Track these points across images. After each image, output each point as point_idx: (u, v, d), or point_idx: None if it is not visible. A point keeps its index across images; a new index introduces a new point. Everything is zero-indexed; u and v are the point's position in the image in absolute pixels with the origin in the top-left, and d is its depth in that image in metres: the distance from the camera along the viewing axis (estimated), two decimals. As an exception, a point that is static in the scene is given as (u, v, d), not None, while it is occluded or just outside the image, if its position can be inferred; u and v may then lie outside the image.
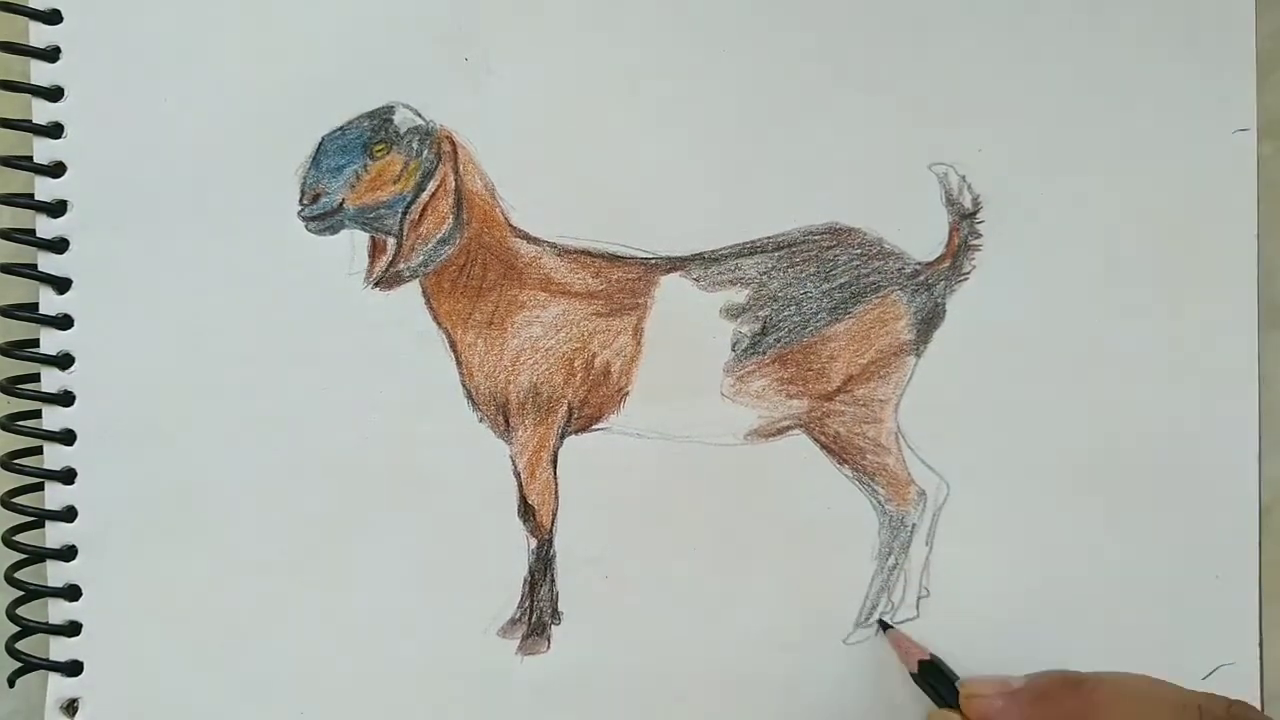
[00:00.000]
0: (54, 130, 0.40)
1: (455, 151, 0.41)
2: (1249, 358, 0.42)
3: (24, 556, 0.40)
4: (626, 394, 0.41)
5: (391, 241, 0.41)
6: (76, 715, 0.41)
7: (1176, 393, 0.42)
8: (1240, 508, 0.42)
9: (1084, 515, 0.42)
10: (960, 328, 0.41)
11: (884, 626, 0.41)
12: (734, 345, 0.41)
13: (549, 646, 0.41)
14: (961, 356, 0.41)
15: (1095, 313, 0.42)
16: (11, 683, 0.41)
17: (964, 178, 0.41)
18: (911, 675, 0.40)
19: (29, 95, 0.40)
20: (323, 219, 0.41)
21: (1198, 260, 0.42)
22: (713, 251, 0.41)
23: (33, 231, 0.40)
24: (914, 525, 0.41)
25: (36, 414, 0.41)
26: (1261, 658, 0.41)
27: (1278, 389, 0.42)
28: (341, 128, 0.41)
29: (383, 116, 0.41)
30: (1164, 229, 0.42)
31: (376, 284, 0.41)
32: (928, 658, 0.39)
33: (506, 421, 0.41)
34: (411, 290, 0.41)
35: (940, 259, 0.41)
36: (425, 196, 0.41)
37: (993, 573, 0.41)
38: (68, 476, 0.40)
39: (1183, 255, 0.42)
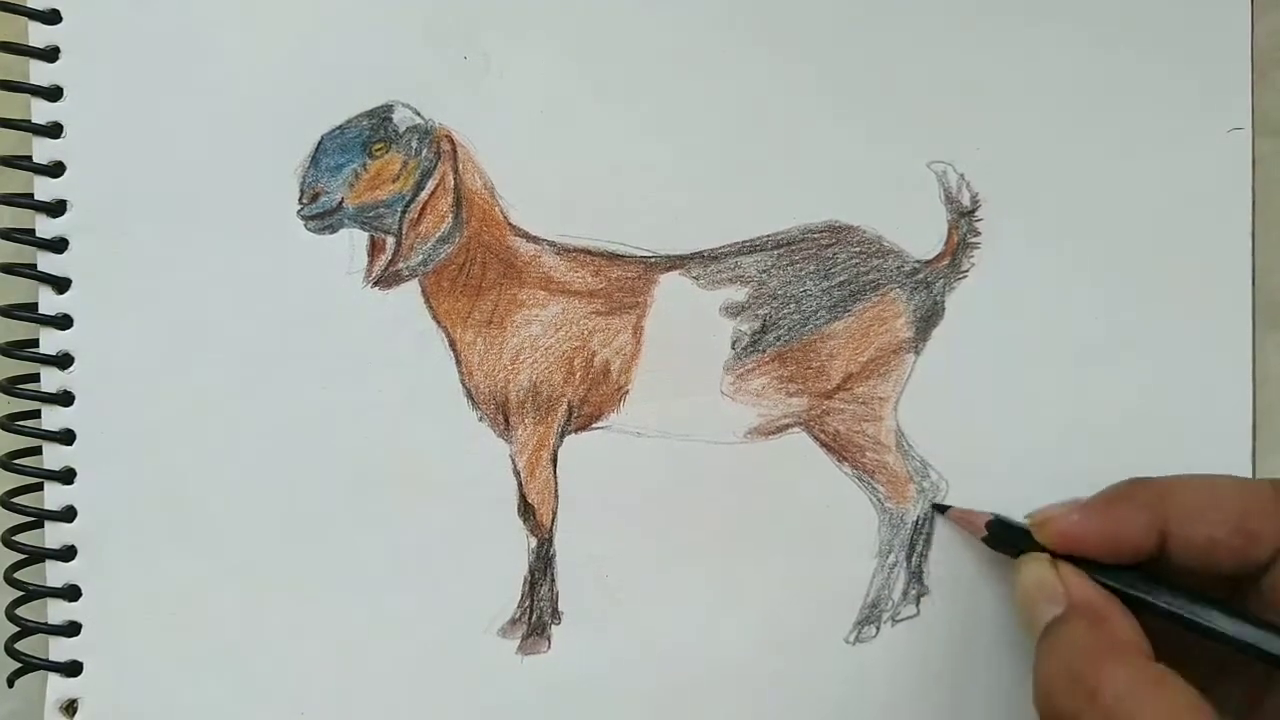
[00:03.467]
0: (53, 130, 0.40)
1: (454, 150, 0.41)
2: (1244, 356, 0.42)
3: (23, 557, 0.40)
4: (626, 392, 0.41)
5: (391, 240, 0.41)
6: (76, 715, 0.40)
7: (1173, 391, 0.42)
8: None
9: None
10: (959, 325, 0.42)
11: (940, 510, 0.41)
12: (734, 343, 0.41)
13: (549, 646, 0.41)
14: (961, 354, 0.41)
15: (1093, 310, 0.42)
16: (11, 683, 0.41)
17: (962, 175, 0.41)
18: (984, 540, 0.39)
19: (28, 95, 0.40)
20: (322, 218, 0.41)
21: (1194, 258, 0.42)
22: (712, 250, 0.41)
23: (32, 231, 0.40)
24: (914, 523, 0.41)
25: (36, 414, 0.41)
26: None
27: (1273, 388, 0.42)
28: (340, 127, 0.41)
29: (382, 115, 0.41)
30: (1161, 227, 0.42)
31: (376, 283, 0.41)
32: (991, 518, 0.39)
33: (506, 420, 0.41)
34: (411, 289, 0.41)
35: (939, 257, 0.41)
36: (424, 195, 0.41)
37: (992, 570, 0.41)
38: (67, 476, 0.40)
39: (1179, 253, 0.42)
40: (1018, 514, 0.41)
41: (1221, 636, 0.34)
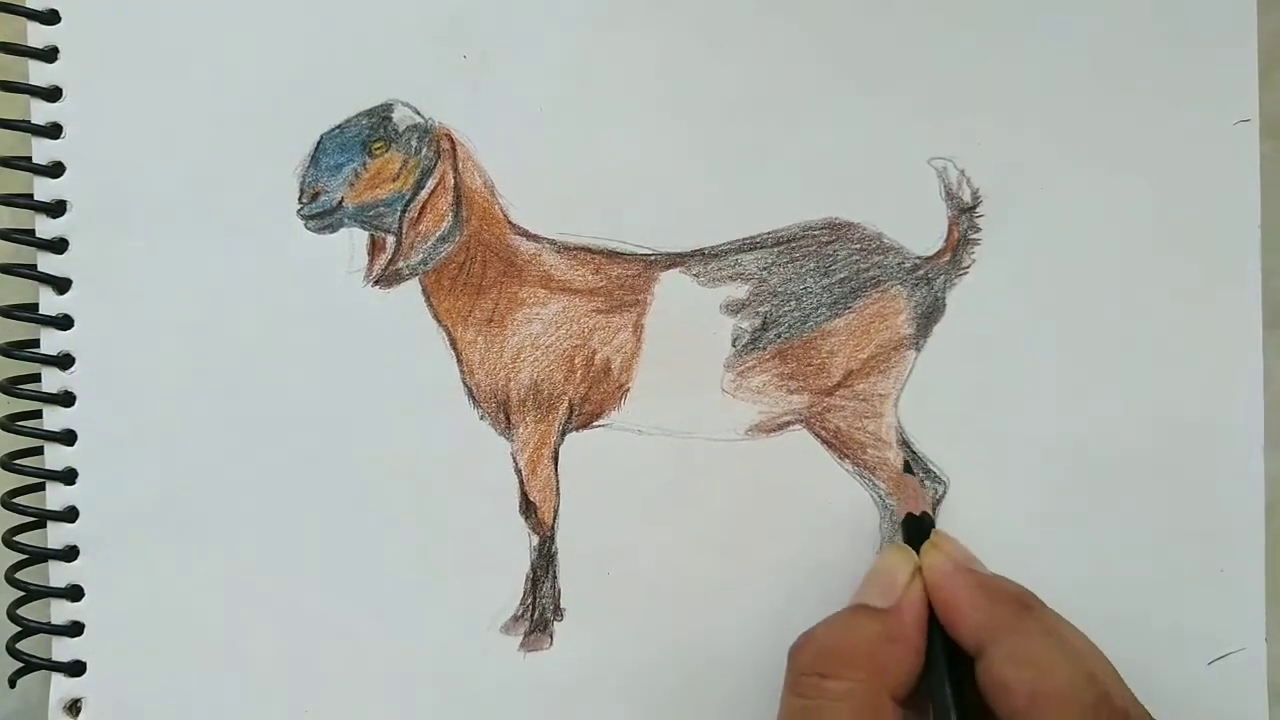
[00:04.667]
0: (52, 130, 0.40)
1: (454, 149, 0.41)
2: (1254, 354, 0.42)
3: (24, 557, 0.40)
4: (627, 390, 0.41)
5: (391, 240, 0.41)
6: (80, 715, 0.41)
7: (1180, 388, 0.42)
8: (1245, 505, 0.42)
9: (1085, 509, 0.42)
10: (960, 322, 0.41)
11: (907, 470, 0.41)
12: (734, 341, 0.41)
13: (552, 643, 0.41)
14: (962, 351, 0.41)
15: (1096, 307, 0.42)
16: (13, 683, 0.41)
17: (963, 172, 0.41)
18: (898, 521, 0.40)
19: (27, 96, 0.40)
20: (322, 217, 0.41)
21: (1200, 256, 0.42)
22: (712, 247, 0.41)
23: (32, 232, 0.40)
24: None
25: (37, 414, 0.41)
26: (1267, 654, 0.41)
27: (1274, 389, 0.42)
28: (340, 126, 0.41)
29: (381, 114, 0.41)
30: (1165, 223, 0.42)
31: (376, 282, 0.41)
32: (918, 511, 0.39)
33: (507, 419, 0.41)
34: (411, 288, 0.41)
35: (940, 253, 0.41)
36: (424, 194, 0.41)
37: (993, 566, 0.41)
38: (69, 477, 0.40)
39: (1183, 249, 0.42)
40: (1019, 513, 0.41)
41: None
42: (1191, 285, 0.42)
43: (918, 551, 0.38)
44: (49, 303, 0.40)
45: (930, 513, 0.40)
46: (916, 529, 0.39)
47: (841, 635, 0.35)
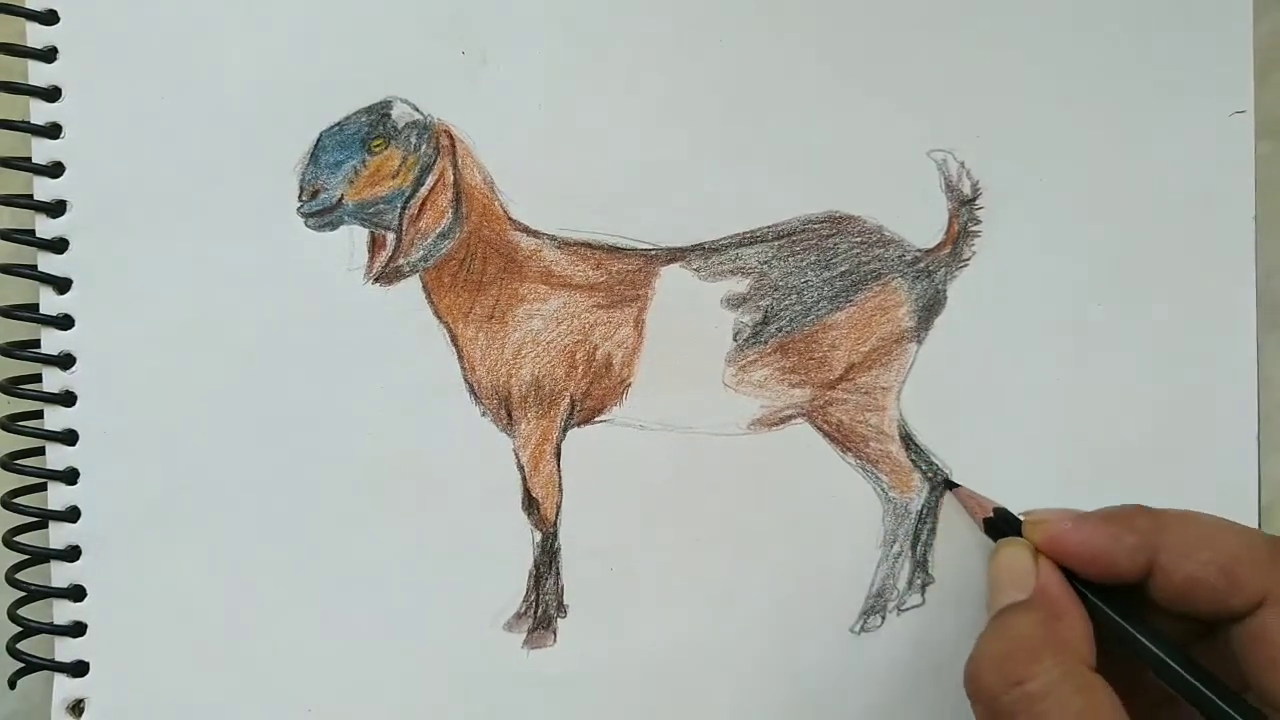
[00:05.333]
0: (52, 131, 0.40)
1: (453, 145, 0.41)
2: (1248, 354, 0.42)
3: (25, 557, 0.40)
4: (629, 386, 0.41)
5: (391, 237, 0.41)
6: (83, 715, 0.40)
7: (1176, 385, 0.42)
8: (1240, 507, 0.42)
9: (1085, 501, 0.41)
10: (961, 314, 0.42)
11: (950, 486, 0.41)
12: (735, 335, 0.41)
13: (555, 640, 0.41)
14: (963, 343, 0.41)
15: (1095, 298, 0.42)
16: (13, 684, 0.41)
17: (963, 164, 0.41)
18: (984, 526, 0.39)
19: (27, 96, 0.40)
20: (322, 215, 0.41)
21: (1196, 246, 0.42)
22: (713, 242, 0.41)
23: (32, 232, 0.40)
24: (918, 512, 0.41)
25: (38, 414, 0.41)
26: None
27: (1277, 388, 0.42)
28: (339, 123, 0.41)
29: (380, 111, 0.41)
30: (1163, 214, 0.42)
31: (376, 279, 0.41)
32: (996, 506, 0.39)
33: (509, 415, 0.41)
34: (412, 285, 0.41)
35: (940, 245, 0.41)
36: (424, 191, 0.41)
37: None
38: (70, 477, 0.40)
39: (1182, 241, 0.42)
40: (1019, 504, 0.41)
41: (1175, 679, 0.34)
42: (1189, 277, 0.42)
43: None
44: (49, 303, 0.40)
45: (1003, 507, 0.39)
46: (1000, 527, 0.39)
47: (1008, 640, 0.34)
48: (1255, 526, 0.42)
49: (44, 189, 0.40)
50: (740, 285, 0.41)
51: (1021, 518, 0.38)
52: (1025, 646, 0.33)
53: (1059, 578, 0.35)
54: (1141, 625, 0.35)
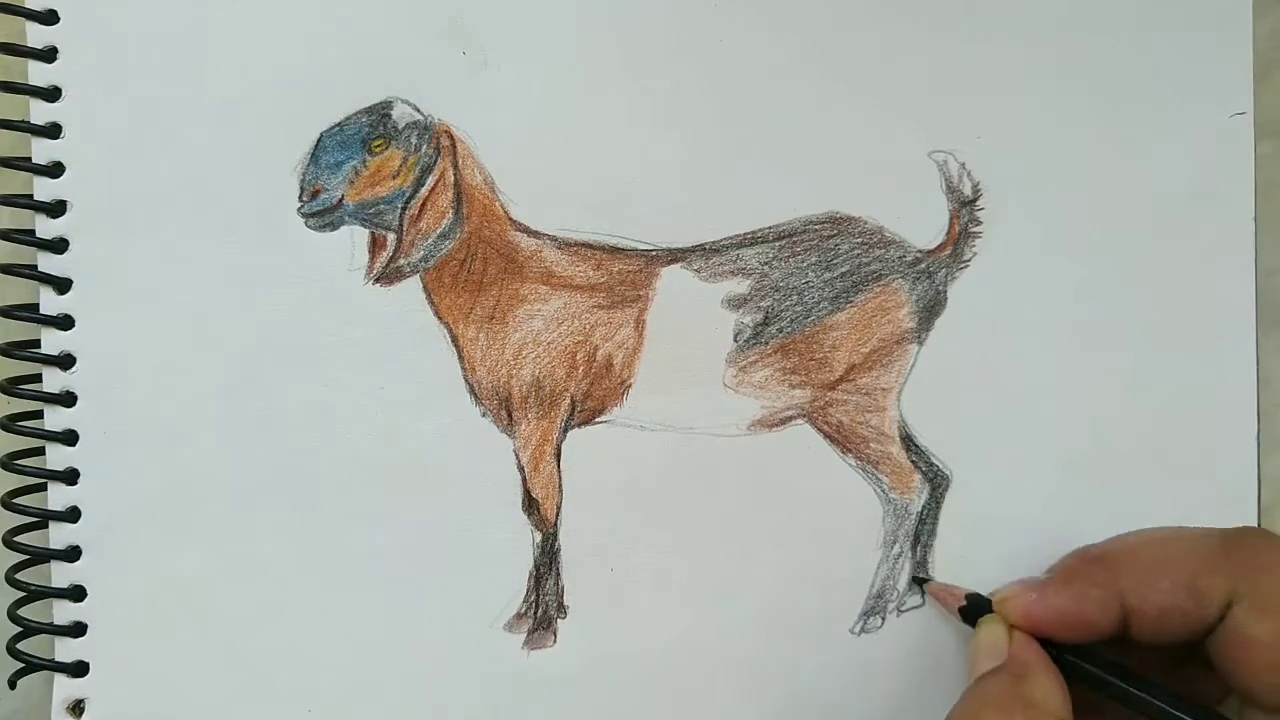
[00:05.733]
0: (52, 130, 0.40)
1: (454, 146, 0.41)
2: (1248, 354, 0.42)
3: (25, 557, 0.40)
4: (629, 386, 0.41)
5: (391, 237, 0.41)
6: (83, 715, 0.40)
7: (1176, 386, 0.42)
8: (1240, 507, 0.42)
9: (1086, 502, 0.42)
10: (962, 315, 0.42)
11: (921, 583, 0.41)
12: (736, 336, 0.41)
13: (555, 640, 0.41)
14: (964, 344, 0.42)
15: (1097, 299, 0.42)
16: (13, 684, 0.41)
17: (964, 165, 0.41)
18: (960, 614, 0.40)
19: (27, 96, 0.40)
20: (322, 215, 0.41)
21: (1197, 248, 0.42)
22: (714, 242, 0.41)
23: (32, 232, 0.40)
24: (918, 513, 0.41)
25: (38, 414, 0.41)
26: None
27: (1276, 388, 0.42)
28: (340, 124, 0.41)
29: (381, 112, 0.41)
30: (1164, 215, 0.42)
31: (377, 280, 0.41)
32: (964, 601, 0.40)
33: (509, 415, 0.41)
34: (412, 286, 0.41)
35: (941, 246, 0.41)
36: (424, 191, 0.41)
37: (996, 561, 0.41)
38: (70, 477, 0.40)
39: (1182, 242, 0.42)
40: (1020, 507, 0.41)
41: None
42: (1189, 278, 0.42)
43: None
44: (50, 303, 0.40)
45: (974, 593, 0.40)
46: (973, 613, 0.39)
47: (978, 702, 0.35)
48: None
49: (44, 189, 0.40)
50: (741, 286, 0.41)
51: (990, 597, 0.38)
52: (994, 704, 0.34)
53: (1030, 644, 0.36)
54: (1125, 672, 0.35)
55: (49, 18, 0.40)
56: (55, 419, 0.40)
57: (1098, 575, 0.36)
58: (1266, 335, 0.42)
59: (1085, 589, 0.36)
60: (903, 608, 0.42)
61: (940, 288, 0.41)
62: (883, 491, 0.41)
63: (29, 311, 0.40)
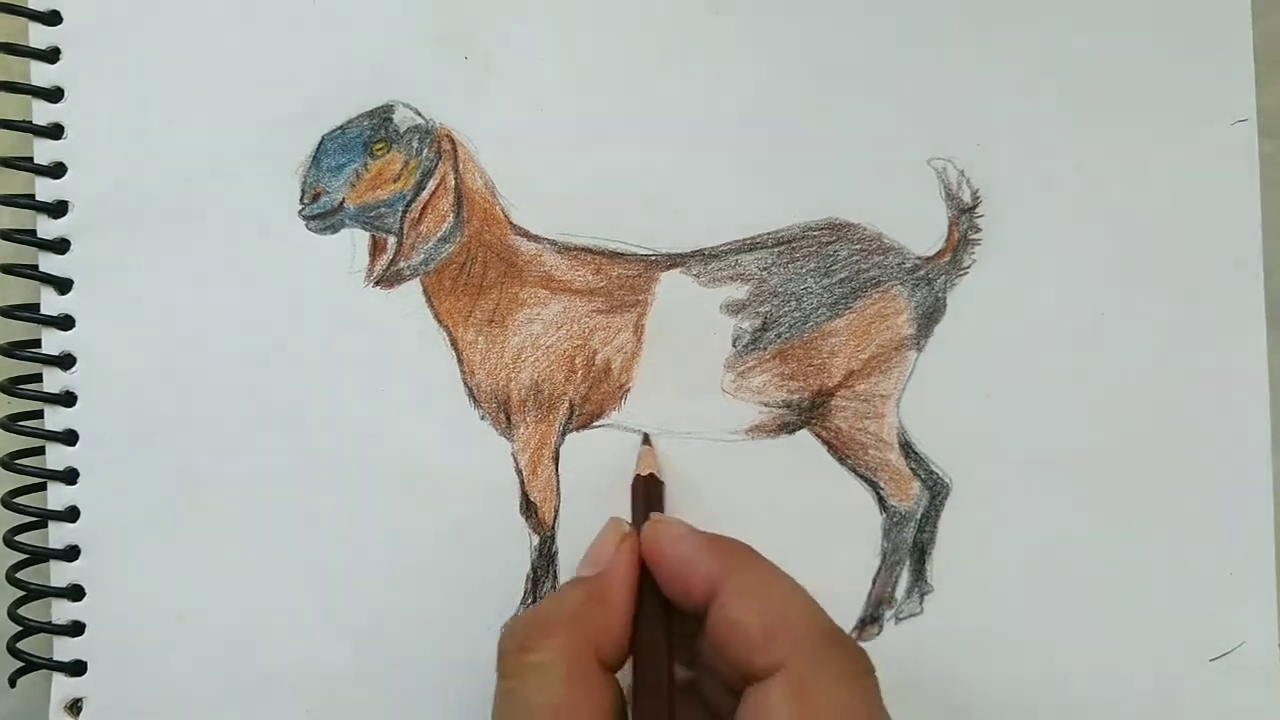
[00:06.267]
0: (54, 131, 0.40)
1: (455, 150, 0.41)
2: (1257, 352, 0.42)
3: (25, 557, 0.40)
4: (628, 390, 0.41)
5: (392, 240, 0.41)
6: (81, 714, 0.41)
7: (1183, 387, 0.42)
8: (1252, 503, 0.41)
9: (1088, 509, 0.41)
10: (961, 322, 0.41)
11: (646, 440, 0.41)
12: (735, 341, 0.41)
13: (552, 643, 0.41)
14: (963, 351, 0.41)
15: (1098, 306, 0.42)
16: (13, 683, 0.41)
17: (963, 172, 0.41)
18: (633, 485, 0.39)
19: (29, 96, 0.40)
20: (323, 218, 0.41)
21: (1200, 254, 0.42)
22: (713, 248, 0.41)
23: (33, 232, 0.40)
24: (918, 520, 0.41)
25: (38, 414, 0.41)
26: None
27: (1276, 387, 0.42)
28: (341, 127, 0.41)
29: (382, 115, 0.41)
30: (1165, 222, 0.42)
31: (377, 283, 0.41)
32: (646, 474, 0.39)
33: (508, 419, 0.41)
34: (412, 289, 0.41)
35: (940, 253, 0.41)
36: (425, 195, 0.41)
37: (997, 567, 0.41)
38: (70, 477, 0.41)
39: (1185, 249, 0.42)
40: (1022, 514, 0.41)
41: None
42: (1194, 285, 0.42)
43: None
44: (50, 303, 0.41)
45: (658, 475, 0.38)
46: (645, 494, 0.38)
47: (543, 608, 0.34)
48: (1270, 527, 0.41)
49: (46, 189, 0.40)
50: (740, 291, 0.41)
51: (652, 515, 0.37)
52: (551, 619, 0.33)
53: (628, 567, 0.34)
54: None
55: (52, 18, 0.40)
56: (55, 419, 0.41)
57: (728, 554, 0.34)
58: (1272, 333, 0.42)
59: (710, 556, 0.34)
60: (901, 615, 0.41)
61: (939, 294, 0.41)
62: (882, 499, 0.41)
63: (29, 311, 0.40)
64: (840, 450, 0.41)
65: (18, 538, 0.40)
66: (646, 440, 0.41)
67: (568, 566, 0.41)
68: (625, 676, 0.34)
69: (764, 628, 0.32)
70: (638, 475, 0.39)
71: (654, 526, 0.35)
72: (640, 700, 0.33)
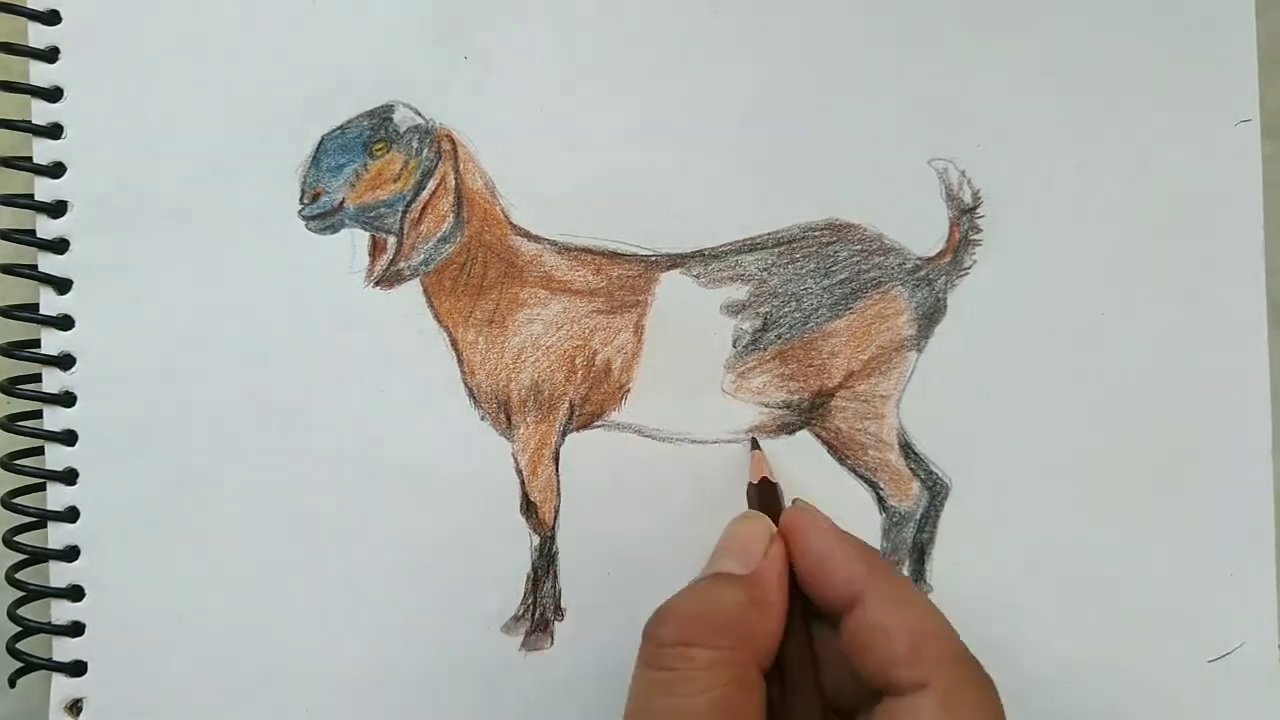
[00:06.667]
0: (53, 131, 0.40)
1: (455, 150, 0.41)
2: (1258, 352, 0.42)
3: (24, 557, 0.40)
4: (628, 391, 0.41)
5: (392, 240, 0.41)
6: (80, 715, 0.41)
7: (1183, 387, 0.42)
8: (1253, 503, 0.41)
9: (1089, 510, 0.41)
10: (961, 323, 0.41)
11: (755, 445, 0.41)
12: (735, 342, 0.41)
13: (552, 643, 0.41)
14: (963, 351, 0.41)
15: (1098, 306, 0.42)
16: (13, 683, 0.41)
17: (963, 173, 0.41)
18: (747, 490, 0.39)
19: (28, 96, 0.40)
20: (323, 218, 0.41)
21: (1203, 255, 0.42)
22: (713, 248, 0.41)
23: (33, 232, 0.40)
24: (917, 521, 0.41)
25: (38, 414, 0.41)
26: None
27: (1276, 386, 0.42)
28: (341, 127, 0.41)
29: (382, 115, 0.41)
30: (1166, 223, 0.42)
31: (377, 283, 0.41)
32: (759, 480, 0.38)
33: (508, 419, 0.41)
34: (412, 289, 0.41)
35: (941, 254, 0.41)
36: (425, 195, 0.41)
37: (997, 567, 0.41)
38: (69, 477, 0.41)
39: (1186, 250, 0.42)
40: (1022, 515, 0.41)
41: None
42: (1195, 285, 0.42)
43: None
44: (50, 303, 0.41)
45: (772, 478, 0.38)
46: (764, 498, 0.38)
47: (705, 603, 0.33)
48: (1270, 527, 0.41)
49: (45, 189, 0.40)
50: (740, 292, 0.41)
51: (790, 502, 0.37)
52: (716, 618, 0.33)
53: (782, 570, 0.34)
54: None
55: (51, 18, 0.40)
56: (55, 419, 0.41)
57: (873, 561, 0.34)
58: (1274, 333, 0.42)
59: (859, 555, 0.34)
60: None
61: (940, 295, 0.41)
62: (881, 499, 0.41)
63: (29, 311, 0.40)
64: (840, 451, 0.41)
65: (17, 538, 0.40)
66: (756, 445, 0.41)
67: (568, 567, 0.41)
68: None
69: (911, 642, 0.32)
70: (751, 483, 0.39)
71: (800, 515, 0.35)
72: (794, 705, 0.33)
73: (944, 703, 0.31)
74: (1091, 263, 0.42)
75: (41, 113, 0.40)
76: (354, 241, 0.41)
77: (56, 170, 0.40)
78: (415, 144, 0.41)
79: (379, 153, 0.41)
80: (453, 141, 0.41)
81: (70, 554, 0.40)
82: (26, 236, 0.40)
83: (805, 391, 0.41)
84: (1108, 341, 0.42)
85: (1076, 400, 0.42)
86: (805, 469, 0.41)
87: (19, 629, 0.40)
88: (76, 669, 0.41)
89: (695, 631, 0.32)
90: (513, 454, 0.41)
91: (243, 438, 0.41)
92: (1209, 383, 0.42)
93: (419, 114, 0.41)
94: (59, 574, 0.41)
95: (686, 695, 0.31)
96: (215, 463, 0.41)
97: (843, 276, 0.41)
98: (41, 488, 0.41)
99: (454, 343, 0.41)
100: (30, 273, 0.40)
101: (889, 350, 0.41)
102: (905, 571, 0.41)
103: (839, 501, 0.41)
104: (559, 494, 0.41)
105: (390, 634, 0.41)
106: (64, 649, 0.41)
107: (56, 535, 0.41)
